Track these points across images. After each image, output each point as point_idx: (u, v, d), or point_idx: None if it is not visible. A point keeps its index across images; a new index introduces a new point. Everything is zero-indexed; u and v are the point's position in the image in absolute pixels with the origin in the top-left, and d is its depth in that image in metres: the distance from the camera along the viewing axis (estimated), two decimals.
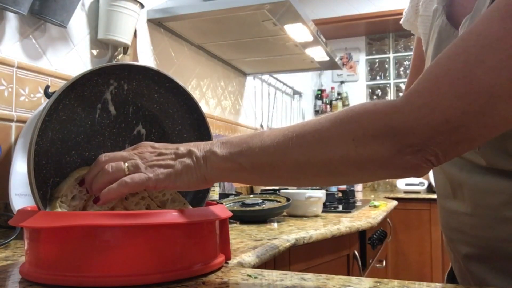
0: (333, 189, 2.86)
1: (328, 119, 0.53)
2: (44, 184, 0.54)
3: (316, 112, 4.15)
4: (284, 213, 1.40)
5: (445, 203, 0.68)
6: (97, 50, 1.41)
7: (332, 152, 0.50)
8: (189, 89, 1.93)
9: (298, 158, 0.52)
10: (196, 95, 1.99)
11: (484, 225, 0.60)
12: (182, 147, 0.58)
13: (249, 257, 0.73)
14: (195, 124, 0.67)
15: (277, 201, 1.33)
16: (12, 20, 1.12)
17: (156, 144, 0.59)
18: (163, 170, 0.56)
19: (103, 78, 0.58)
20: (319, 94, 4.14)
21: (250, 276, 0.56)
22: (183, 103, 0.66)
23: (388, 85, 3.98)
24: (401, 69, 3.96)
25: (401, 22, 0.84)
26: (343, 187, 2.86)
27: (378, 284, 0.52)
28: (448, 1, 0.68)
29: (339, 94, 4.13)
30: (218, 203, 0.70)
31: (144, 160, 0.56)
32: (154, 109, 0.65)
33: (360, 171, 0.51)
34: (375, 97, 4.01)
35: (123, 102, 0.62)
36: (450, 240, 0.69)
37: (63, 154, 0.57)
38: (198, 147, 0.58)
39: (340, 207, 1.78)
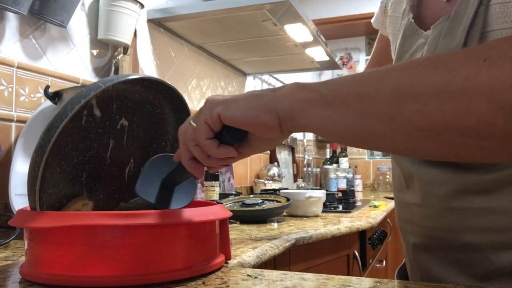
0: (333, 189, 2.86)
1: (444, 52, 0.45)
2: (40, 199, 0.54)
3: None
4: (284, 213, 1.40)
5: (399, 196, 0.71)
6: (97, 50, 1.40)
7: (451, 74, 0.38)
8: (189, 89, 1.93)
9: (398, 83, 0.40)
10: (196, 95, 1.99)
11: (431, 215, 0.62)
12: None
13: (249, 257, 0.73)
14: (175, 109, 0.68)
15: (277, 201, 1.32)
16: (12, 20, 1.12)
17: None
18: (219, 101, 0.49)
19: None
20: None
21: (250, 276, 0.56)
22: (165, 92, 0.66)
23: None
24: None
25: (372, 21, 0.88)
26: (343, 186, 2.87)
27: (378, 284, 0.52)
28: (416, 2, 0.71)
29: None
30: (218, 203, 0.70)
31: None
32: (136, 98, 0.65)
33: (490, 100, 0.37)
34: None
35: (107, 100, 0.62)
36: (402, 232, 0.72)
37: (54, 167, 0.57)
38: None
39: (340, 207, 1.77)
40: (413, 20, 0.68)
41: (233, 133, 0.49)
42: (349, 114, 0.42)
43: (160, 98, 0.66)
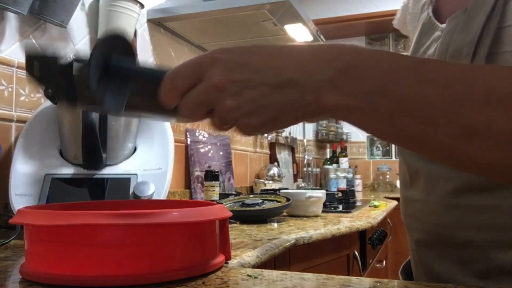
0: (333, 189, 2.86)
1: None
2: None
3: None
4: (284, 213, 1.40)
5: (404, 192, 0.71)
6: None
7: None
8: None
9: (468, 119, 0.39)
10: None
11: (433, 211, 0.63)
12: (275, 71, 0.41)
13: (249, 257, 0.73)
14: None
15: (277, 201, 1.32)
16: (12, 20, 1.12)
17: (235, 64, 0.43)
18: (255, 120, 0.42)
19: None
20: None
21: (250, 276, 0.56)
22: None
23: None
24: None
25: (393, 22, 0.87)
26: (343, 186, 2.87)
27: (378, 284, 0.52)
28: None
29: None
30: (218, 203, 0.70)
31: (226, 99, 0.42)
32: None
33: None
34: None
35: None
36: (407, 228, 0.72)
37: None
38: (305, 72, 0.41)
39: (340, 207, 1.78)
40: (432, 14, 0.67)
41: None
42: (400, 130, 0.41)
43: None
